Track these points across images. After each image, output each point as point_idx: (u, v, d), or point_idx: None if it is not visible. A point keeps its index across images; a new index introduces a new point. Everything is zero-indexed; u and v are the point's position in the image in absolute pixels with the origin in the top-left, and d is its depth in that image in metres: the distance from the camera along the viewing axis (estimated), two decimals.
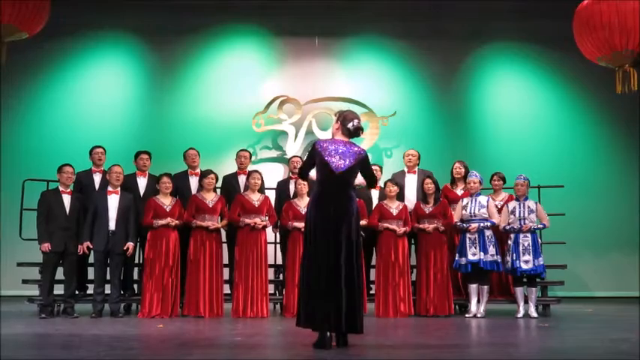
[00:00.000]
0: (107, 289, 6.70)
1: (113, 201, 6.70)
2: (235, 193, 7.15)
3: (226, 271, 7.14)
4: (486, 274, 6.78)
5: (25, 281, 7.26)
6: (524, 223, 6.72)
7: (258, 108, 10.37)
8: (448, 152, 9.46)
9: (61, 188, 6.64)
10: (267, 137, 10.56)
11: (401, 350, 4.45)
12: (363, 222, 6.25)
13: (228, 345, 4.62)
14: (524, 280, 6.75)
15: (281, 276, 7.46)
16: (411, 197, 7.41)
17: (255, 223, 6.79)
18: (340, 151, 4.42)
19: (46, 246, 6.44)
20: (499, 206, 7.04)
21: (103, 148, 7.25)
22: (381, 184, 7.05)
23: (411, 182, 7.52)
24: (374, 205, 7.19)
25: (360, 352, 4.10)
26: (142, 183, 7.21)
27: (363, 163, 4.51)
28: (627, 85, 6.97)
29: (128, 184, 7.03)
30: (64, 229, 6.51)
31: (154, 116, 10.55)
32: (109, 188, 6.77)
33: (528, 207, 6.80)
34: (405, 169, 7.65)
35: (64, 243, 6.50)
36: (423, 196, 7.12)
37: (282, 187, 7.67)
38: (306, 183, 6.88)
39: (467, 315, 6.72)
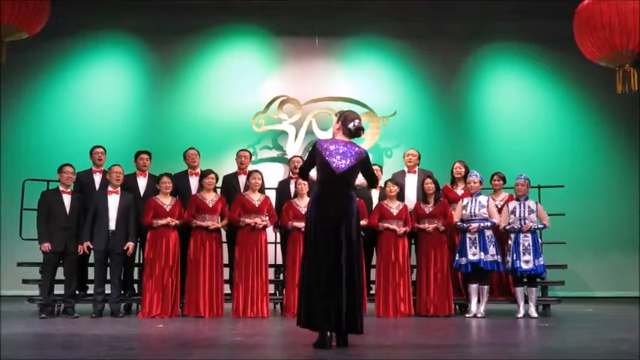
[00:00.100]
0: (107, 289, 6.70)
1: (113, 201, 6.70)
2: (235, 193, 7.15)
3: (226, 271, 7.14)
4: (486, 274, 6.78)
5: (25, 281, 7.26)
6: (525, 223, 6.72)
7: (259, 108, 10.38)
8: (448, 152, 9.46)
9: (61, 188, 6.64)
10: (268, 137, 10.56)
11: (401, 350, 4.45)
12: (363, 222, 6.25)
13: (228, 345, 4.62)
14: (525, 280, 6.74)
15: (281, 276, 7.45)
16: (411, 197, 7.41)
17: (256, 223, 6.79)
18: (341, 151, 4.42)
19: (47, 246, 6.44)
20: (499, 206, 7.04)
21: (104, 148, 7.25)
22: (381, 183, 7.05)
23: (411, 182, 7.52)
24: (374, 205, 7.19)
25: (360, 352, 4.10)
26: (142, 183, 7.21)
27: (363, 163, 4.51)
28: (627, 85, 6.97)
29: (128, 184, 7.03)
30: (64, 229, 6.51)
31: (154, 116, 10.55)
32: (109, 188, 6.77)
33: (528, 207, 6.80)
34: (406, 169, 7.65)
35: (65, 243, 6.50)
36: (423, 196, 7.12)
37: (282, 187, 7.67)
38: (306, 183, 6.87)
39: (467, 315, 6.72)
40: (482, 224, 6.74)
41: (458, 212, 6.95)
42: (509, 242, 6.77)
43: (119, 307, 6.73)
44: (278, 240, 7.72)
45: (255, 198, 6.91)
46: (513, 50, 10.85)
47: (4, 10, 6.53)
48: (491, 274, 6.91)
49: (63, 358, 3.93)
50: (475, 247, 6.71)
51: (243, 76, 10.74)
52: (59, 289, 6.63)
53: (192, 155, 7.42)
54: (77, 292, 6.88)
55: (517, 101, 10.83)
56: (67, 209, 6.57)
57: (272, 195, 7.49)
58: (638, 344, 4.49)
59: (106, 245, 6.59)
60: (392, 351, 4.38)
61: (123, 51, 10.77)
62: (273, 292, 7.54)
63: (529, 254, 6.64)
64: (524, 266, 6.63)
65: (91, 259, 6.89)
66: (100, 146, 7.26)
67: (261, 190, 7.09)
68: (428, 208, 7.02)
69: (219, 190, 7.27)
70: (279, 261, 7.62)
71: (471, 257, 6.69)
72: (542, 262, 6.66)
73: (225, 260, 7.11)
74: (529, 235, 6.70)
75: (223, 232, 7.12)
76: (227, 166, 8.28)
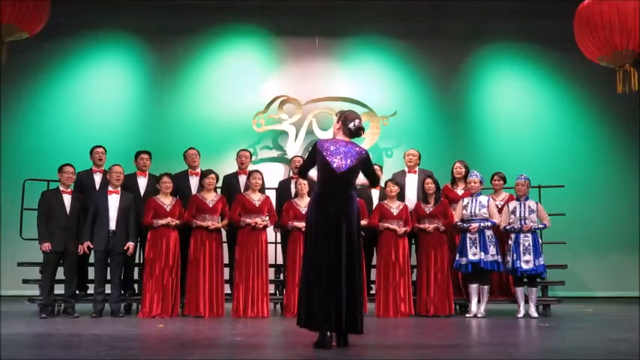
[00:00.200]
0: (107, 289, 6.70)
1: (113, 201, 6.70)
2: (236, 192, 7.15)
3: (227, 271, 7.14)
4: (487, 274, 6.78)
5: (25, 281, 7.25)
6: (525, 223, 6.72)
7: (259, 108, 10.38)
8: (448, 152, 9.46)
9: (61, 188, 6.64)
10: (268, 137, 10.56)
11: (401, 350, 4.45)
12: (363, 222, 6.25)
13: (228, 345, 4.62)
14: (525, 280, 6.74)
15: (281, 276, 7.45)
16: (411, 197, 7.41)
17: (256, 223, 6.79)
18: (341, 151, 4.42)
19: (47, 246, 6.44)
20: (499, 206, 7.04)
21: (104, 148, 7.25)
22: (381, 183, 7.05)
23: (411, 182, 7.52)
24: (374, 205, 7.19)
25: (360, 352, 4.10)
26: (142, 183, 7.21)
27: (364, 163, 4.51)
28: (628, 85, 6.98)
29: (128, 184, 7.03)
30: (64, 228, 6.51)
31: (154, 116, 10.55)
32: (110, 188, 6.77)
33: (529, 207, 6.80)
34: (406, 169, 7.65)
35: (65, 243, 6.49)
36: (423, 195, 7.12)
37: (283, 187, 7.67)
38: (306, 183, 6.88)
39: (467, 315, 6.71)
40: (482, 224, 6.74)
41: (458, 212, 6.95)
42: (510, 242, 6.77)
43: (119, 307, 6.73)
44: (278, 240, 7.73)
45: (256, 198, 6.91)
46: (513, 50, 10.86)
47: (4, 10, 6.54)
48: (491, 274, 6.91)
49: (63, 358, 3.93)
50: (475, 247, 6.71)
51: (243, 76, 10.75)
52: (59, 289, 6.63)
53: (192, 155, 7.42)
54: (77, 292, 6.88)
55: (517, 101, 10.83)
56: (68, 209, 6.57)
57: (272, 195, 7.49)
58: (638, 344, 4.49)
59: (106, 245, 6.59)
60: (392, 351, 4.38)
61: (123, 51, 10.77)
62: (273, 292, 7.54)
63: (529, 254, 6.64)
64: (525, 266, 6.63)
65: (91, 259, 6.89)
66: (100, 146, 7.26)
67: (262, 190, 7.09)
68: (428, 208, 7.02)
69: (219, 190, 7.28)
70: (280, 261, 7.61)
71: (471, 257, 6.69)
72: (542, 262, 6.66)
73: (226, 260, 7.11)
74: (529, 235, 6.70)
75: (224, 232, 7.12)
76: (227, 166, 8.28)
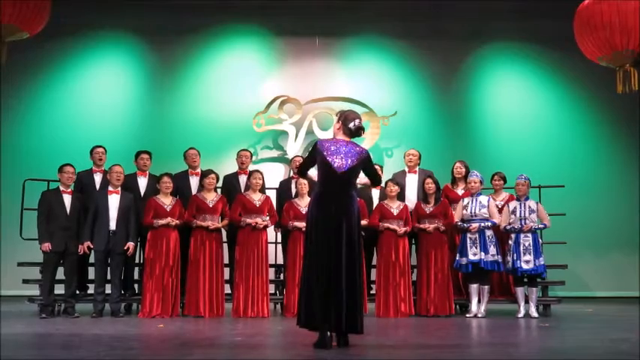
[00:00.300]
0: (108, 289, 6.70)
1: (114, 201, 6.70)
2: (236, 192, 7.15)
3: (227, 271, 7.14)
4: (487, 274, 6.78)
5: (25, 281, 7.25)
6: (525, 223, 6.72)
7: (259, 108, 10.38)
8: (449, 152, 9.46)
9: (61, 188, 6.64)
10: (268, 137, 10.56)
11: (401, 350, 4.45)
12: (363, 222, 6.25)
13: (228, 345, 4.62)
14: (525, 280, 6.75)
15: (282, 276, 7.45)
16: (411, 197, 7.41)
17: (257, 223, 6.79)
18: (342, 150, 4.42)
19: (47, 246, 6.44)
20: (500, 206, 7.04)
21: (104, 148, 7.25)
22: (381, 183, 7.05)
23: (411, 182, 7.52)
24: (374, 205, 7.19)
25: (360, 352, 4.10)
26: (142, 183, 7.21)
27: (365, 163, 4.51)
28: (628, 84, 6.97)
29: (129, 184, 7.03)
30: (64, 228, 6.51)
31: (154, 116, 10.55)
32: (110, 188, 6.76)
33: (529, 207, 6.80)
34: (406, 169, 7.65)
35: (65, 243, 6.49)
36: (423, 195, 7.12)
37: (283, 187, 7.67)
38: (307, 183, 6.89)
39: (467, 315, 6.71)
40: (482, 224, 6.74)
41: (458, 212, 6.95)
42: (510, 242, 6.77)
43: (119, 307, 6.73)
44: (279, 240, 7.73)
45: (256, 198, 6.91)
46: (513, 50, 10.86)
47: (5, 10, 6.54)
48: (491, 274, 6.91)
49: (63, 358, 3.93)
50: (476, 247, 6.71)
51: (243, 76, 10.75)
52: (59, 289, 6.63)
53: (192, 155, 7.42)
54: (77, 292, 6.88)
55: (517, 101, 10.83)
56: (68, 209, 6.57)
57: (272, 195, 7.49)
58: (638, 344, 4.49)
59: (106, 245, 6.59)
60: (392, 351, 4.38)
61: (123, 51, 10.77)
62: (273, 292, 7.54)
63: (529, 254, 6.64)
64: (525, 266, 6.63)
65: (92, 259, 6.89)
66: (100, 146, 7.26)
67: (262, 190, 7.09)
68: (428, 208, 7.02)
69: (219, 190, 7.28)
70: (280, 261, 7.62)
71: (471, 257, 6.69)
72: (542, 262, 6.66)
73: (226, 260, 7.11)
74: (529, 235, 6.70)
75: (224, 232, 7.12)
76: (227, 166, 8.28)
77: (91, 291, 6.91)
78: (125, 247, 6.65)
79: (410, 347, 4.60)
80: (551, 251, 7.76)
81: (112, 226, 6.64)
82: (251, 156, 7.82)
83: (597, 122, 10.72)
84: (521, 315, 6.61)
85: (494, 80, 10.98)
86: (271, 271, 7.28)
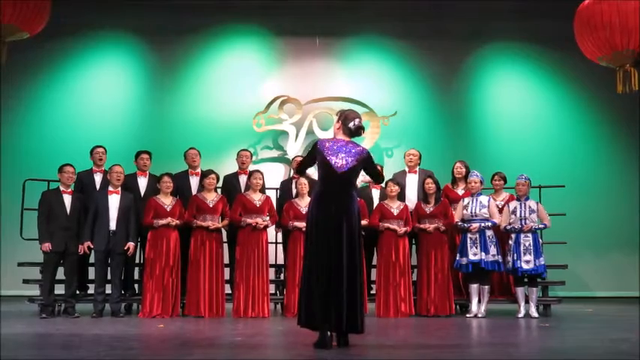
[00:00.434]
0: (108, 289, 6.70)
1: (114, 201, 6.70)
2: (236, 192, 7.15)
3: (227, 271, 7.14)
4: (487, 274, 6.78)
5: (25, 281, 7.25)
6: (525, 223, 6.72)
7: (259, 108, 10.38)
8: (449, 152, 9.46)
9: (61, 188, 6.64)
10: (268, 137, 10.56)
11: (401, 350, 4.45)
12: (364, 222, 6.25)
13: (228, 345, 4.62)
14: (525, 280, 6.75)
15: (282, 276, 7.45)
16: (411, 197, 7.41)
17: (257, 223, 6.79)
18: (342, 150, 4.42)
19: (47, 246, 6.44)
20: (500, 206, 7.04)
21: (104, 148, 7.25)
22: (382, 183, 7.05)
23: (411, 182, 7.51)
24: (375, 205, 7.19)
25: (360, 352, 4.10)
26: (142, 183, 7.21)
27: (365, 162, 4.51)
28: (628, 84, 6.98)
29: (129, 184, 7.03)
30: (64, 228, 6.51)
31: (154, 116, 10.55)
32: (110, 188, 6.76)
33: (529, 207, 6.80)
34: (406, 169, 7.65)
35: (65, 243, 6.49)
36: (423, 195, 7.12)
37: (284, 187, 7.67)
38: (307, 183, 6.89)
39: (468, 315, 6.71)
40: (482, 224, 6.74)
41: (458, 212, 6.94)
42: (510, 242, 6.77)
43: (120, 307, 6.73)
44: (279, 240, 7.73)
45: (256, 198, 6.91)
46: (514, 50, 10.86)
47: (5, 10, 6.54)
48: (491, 274, 6.90)
49: (63, 358, 3.93)
50: (476, 247, 6.71)
51: (243, 76, 10.75)
52: (60, 289, 6.63)
53: (192, 155, 7.42)
54: (78, 292, 6.88)
55: (517, 101, 10.83)
56: (68, 209, 6.56)
57: (272, 195, 7.49)
58: (638, 344, 4.49)
59: (106, 245, 6.59)
60: (392, 351, 4.38)
61: (123, 51, 10.77)
62: (273, 292, 7.54)
63: (530, 254, 6.64)
64: (525, 266, 6.63)
65: (92, 259, 6.89)
66: (100, 146, 7.25)
67: (262, 190, 7.09)
68: (428, 208, 7.02)
69: (219, 190, 7.28)
70: (280, 261, 7.62)
71: (471, 257, 6.69)
72: (542, 262, 6.66)
73: (226, 260, 7.11)
74: (530, 235, 6.70)
75: (224, 232, 7.12)
76: (228, 166, 8.28)
77: (91, 291, 6.91)
78: (125, 247, 6.65)
79: (410, 347, 4.60)
80: (552, 251, 7.76)
81: (112, 226, 6.64)
82: (251, 156, 7.82)
83: (597, 122, 10.72)
84: (521, 315, 6.61)
85: (494, 80, 10.98)
86: (271, 271, 7.28)
